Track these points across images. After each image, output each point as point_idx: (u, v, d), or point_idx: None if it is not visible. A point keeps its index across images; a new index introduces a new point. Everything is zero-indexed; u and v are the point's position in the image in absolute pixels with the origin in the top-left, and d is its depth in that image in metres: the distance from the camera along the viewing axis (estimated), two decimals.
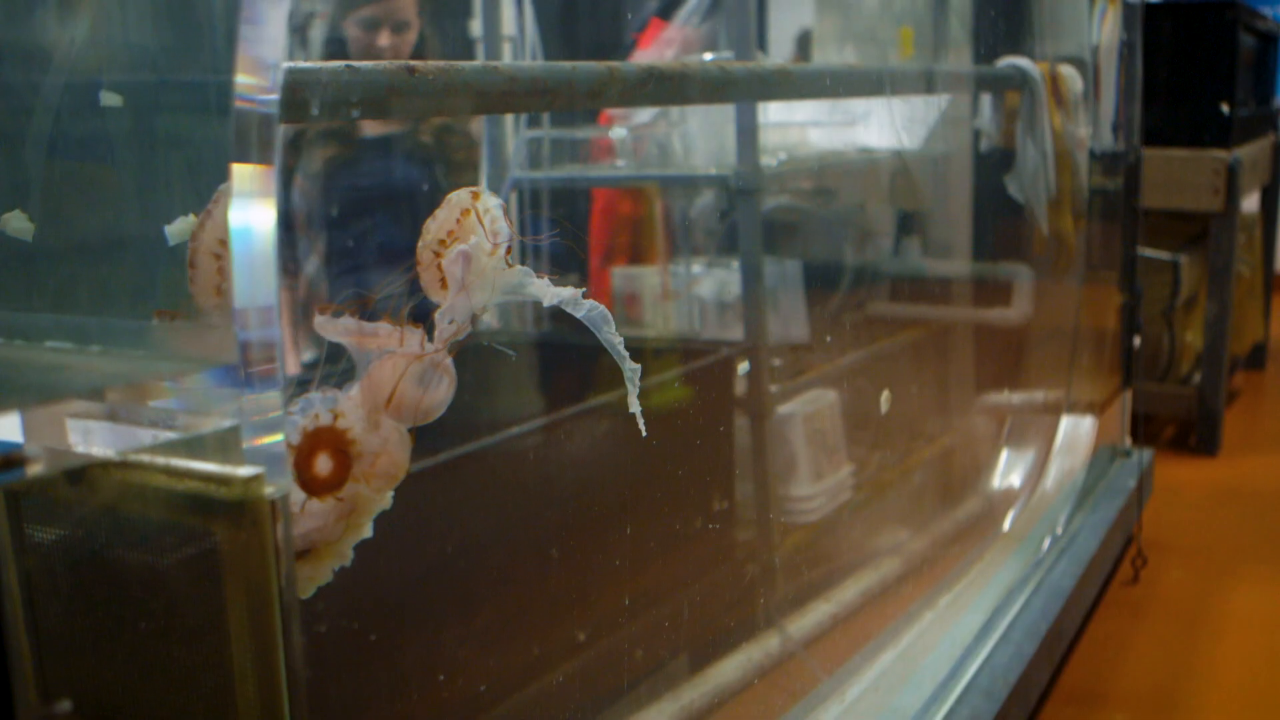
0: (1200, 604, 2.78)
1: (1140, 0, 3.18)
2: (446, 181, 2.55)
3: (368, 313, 0.91)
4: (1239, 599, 2.80)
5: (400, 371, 0.88)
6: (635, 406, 1.08)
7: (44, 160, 1.16)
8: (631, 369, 1.04)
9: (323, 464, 0.82)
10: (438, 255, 0.95)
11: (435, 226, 0.96)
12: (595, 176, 2.65)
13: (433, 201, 0.95)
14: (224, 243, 0.85)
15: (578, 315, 1.01)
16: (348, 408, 0.83)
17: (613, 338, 1.02)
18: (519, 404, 2.35)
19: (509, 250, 0.97)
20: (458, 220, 0.96)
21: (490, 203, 0.96)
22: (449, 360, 0.91)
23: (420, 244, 0.95)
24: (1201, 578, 2.93)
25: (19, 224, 0.88)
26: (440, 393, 0.90)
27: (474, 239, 0.95)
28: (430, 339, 0.92)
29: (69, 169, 1.17)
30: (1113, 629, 2.67)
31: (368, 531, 0.89)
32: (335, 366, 0.89)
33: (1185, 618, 2.72)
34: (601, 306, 1.02)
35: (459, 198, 0.97)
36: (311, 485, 0.81)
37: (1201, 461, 3.84)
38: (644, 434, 1.09)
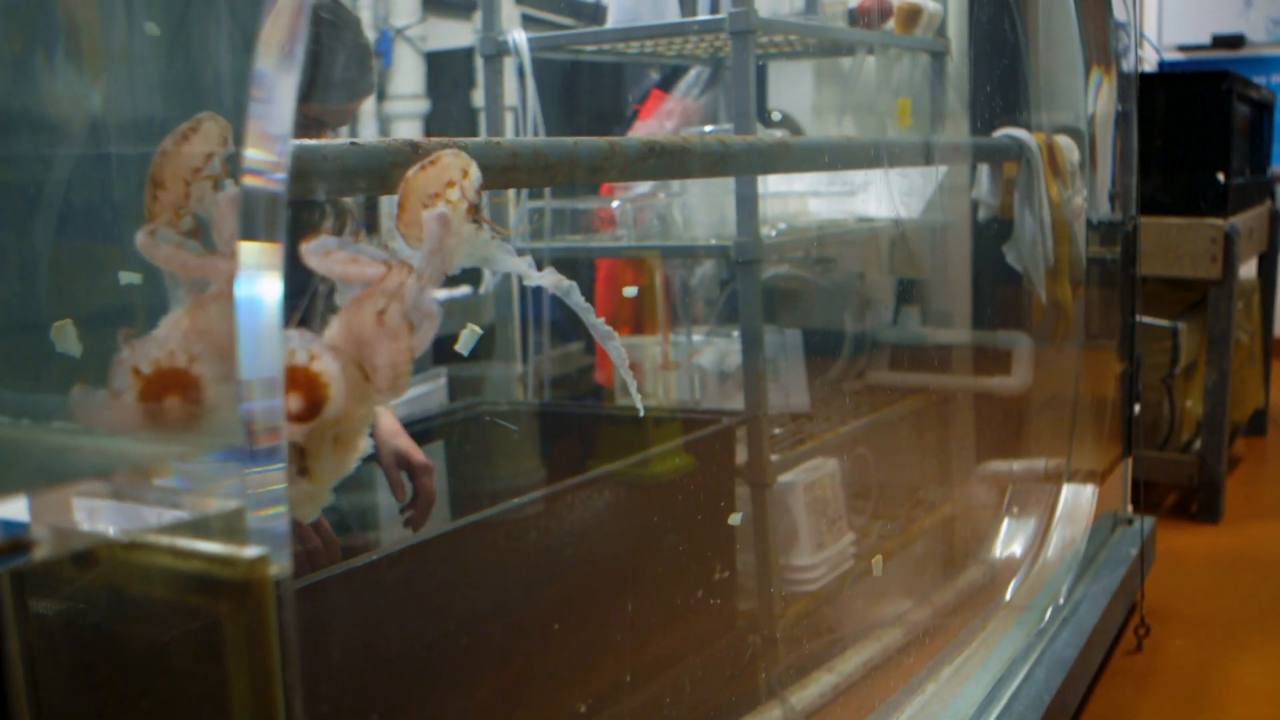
0: (1204, 673, 2.77)
1: (1135, 71, 3.21)
2: None
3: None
4: (1243, 668, 2.78)
5: (382, 308, 0.89)
6: (632, 385, 1.11)
7: (52, 234, 1.17)
8: (616, 349, 1.08)
9: (293, 403, 0.82)
10: (424, 207, 0.97)
11: (424, 180, 0.98)
12: (596, 247, 2.67)
13: None
14: (198, 170, 0.88)
15: (564, 299, 1.03)
16: (323, 351, 0.84)
17: (596, 322, 1.06)
18: (519, 475, 2.35)
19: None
20: (447, 184, 0.98)
21: (475, 174, 0.99)
22: (435, 304, 0.92)
23: (404, 190, 0.97)
24: (1205, 647, 2.91)
25: (70, 341, 0.89)
26: (422, 334, 0.91)
27: (459, 205, 0.97)
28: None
29: (76, 244, 1.18)
30: (1116, 699, 2.65)
31: (365, 445, 0.90)
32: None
33: (1189, 687, 2.70)
34: (584, 302, 1.05)
35: (451, 164, 0.98)
36: None
37: (1203, 529, 3.83)
38: (642, 414, 1.13)
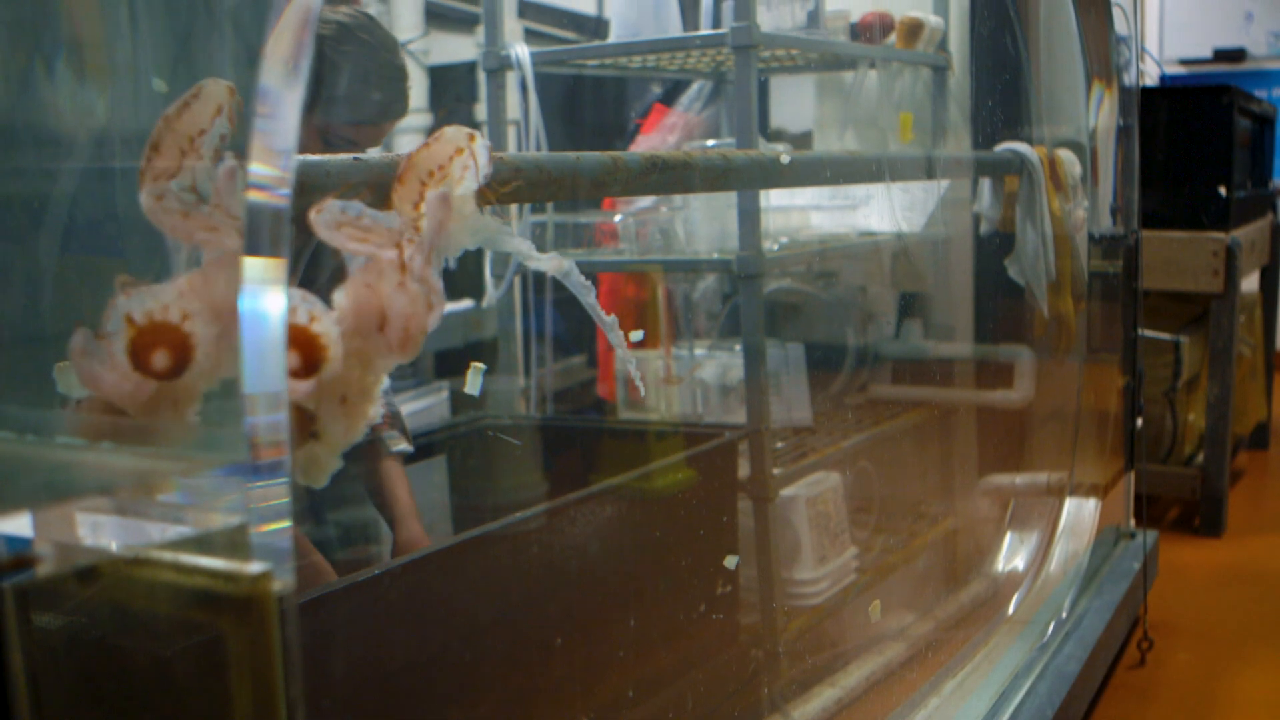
0: (1208, 687, 2.76)
1: (1137, 85, 3.22)
2: None
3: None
4: (1246, 682, 2.78)
5: (394, 282, 0.88)
6: (631, 365, 1.12)
7: (57, 248, 1.17)
8: (616, 335, 1.08)
9: (291, 360, 0.82)
10: (424, 185, 0.96)
11: (426, 156, 0.97)
12: (599, 261, 2.67)
13: None
14: (193, 139, 0.88)
15: (563, 280, 1.04)
16: (325, 315, 0.84)
17: (597, 306, 1.06)
18: (522, 489, 2.35)
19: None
20: (450, 157, 0.97)
21: (480, 146, 0.98)
22: (438, 281, 0.91)
23: (405, 165, 0.97)
24: (1208, 660, 2.91)
25: (72, 383, 0.89)
26: (432, 315, 0.91)
27: (460, 188, 0.97)
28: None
29: (80, 259, 1.18)
30: (1120, 714, 2.65)
31: (373, 412, 0.90)
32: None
33: (1193, 701, 2.70)
34: (584, 281, 1.05)
35: (455, 134, 0.98)
36: None
37: (1206, 543, 3.82)
38: (644, 394, 1.15)
